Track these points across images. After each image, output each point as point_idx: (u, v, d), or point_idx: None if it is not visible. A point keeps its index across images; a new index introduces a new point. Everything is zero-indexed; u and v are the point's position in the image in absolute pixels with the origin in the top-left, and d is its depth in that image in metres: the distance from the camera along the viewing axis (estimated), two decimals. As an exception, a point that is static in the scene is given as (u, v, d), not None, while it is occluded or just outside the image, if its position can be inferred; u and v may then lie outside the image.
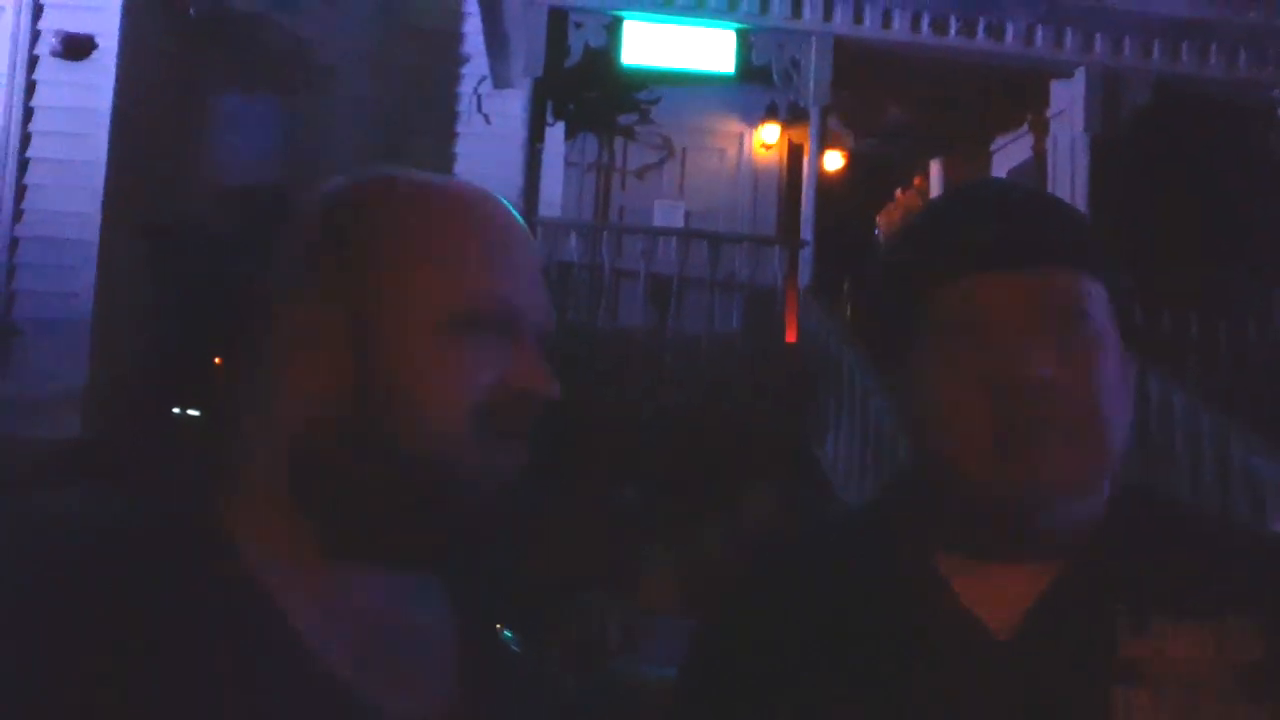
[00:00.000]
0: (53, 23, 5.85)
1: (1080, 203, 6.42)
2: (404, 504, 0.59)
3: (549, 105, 6.74)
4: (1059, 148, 6.69)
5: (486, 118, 7.34)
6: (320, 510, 0.60)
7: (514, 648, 0.71)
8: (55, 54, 5.82)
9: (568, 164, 7.24)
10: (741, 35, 6.32)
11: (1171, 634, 0.65)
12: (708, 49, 6.34)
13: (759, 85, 6.73)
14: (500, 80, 7.07)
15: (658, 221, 7.01)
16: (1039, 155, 7.03)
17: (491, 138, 7.06)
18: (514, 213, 0.66)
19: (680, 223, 7.02)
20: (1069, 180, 6.51)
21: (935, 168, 8.36)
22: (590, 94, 7.02)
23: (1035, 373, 0.67)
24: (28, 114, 5.80)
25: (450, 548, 0.62)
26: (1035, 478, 0.67)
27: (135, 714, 0.51)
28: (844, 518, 0.91)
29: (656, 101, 7.18)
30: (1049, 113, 6.80)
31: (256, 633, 0.56)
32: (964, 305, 0.70)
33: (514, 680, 0.69)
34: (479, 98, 7.39)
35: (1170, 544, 0.73)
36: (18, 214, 5.73)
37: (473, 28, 7.19)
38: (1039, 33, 6.40)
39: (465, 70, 7.45)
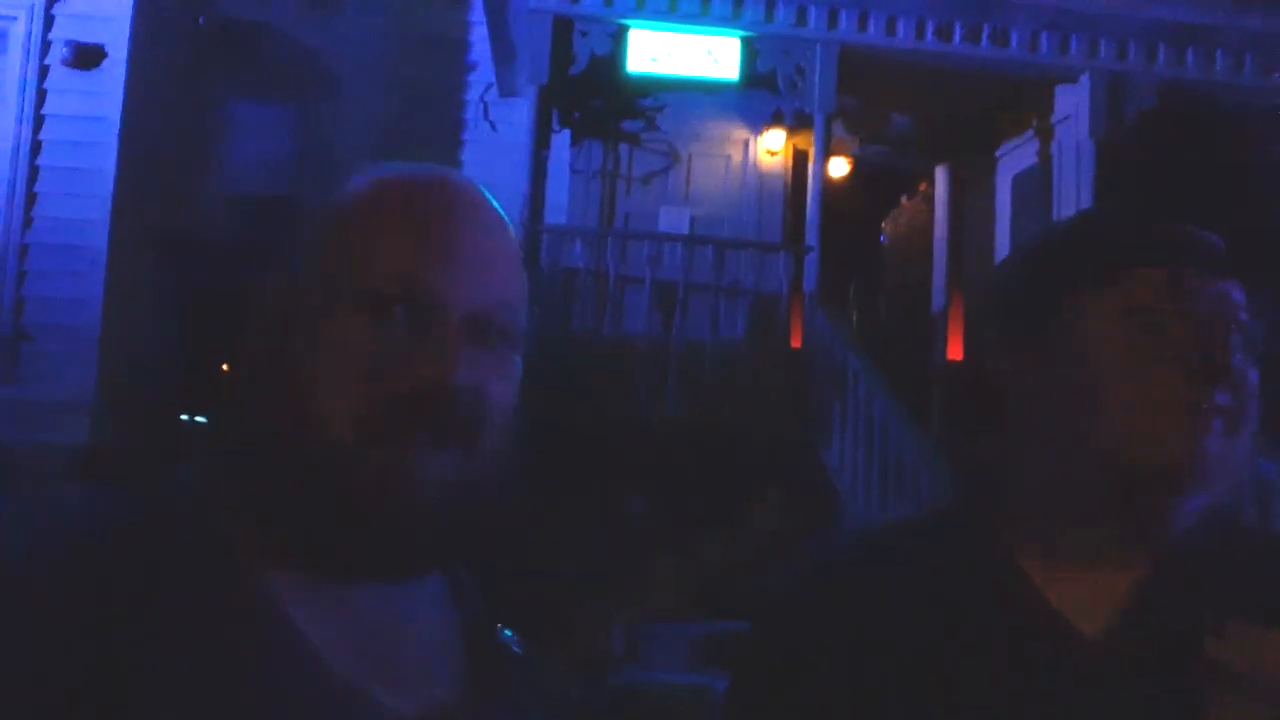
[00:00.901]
0: (64, 33, 5.91)
1: (1085, 205, 6.42)
2: (325, 499, 0.56)
3: (555, 113, 6.76)
4: (1064, 153, 6.68)
5: (493, 125, 7.38)
6: (268, 509, 0.59)
7: (515, 649, 0.71)
8: (66, 63, 5.88)
9: (573, 171, 7.26)
10: (746, 42, 6.33)
11: (1258, 640, 0.66)
12: (713, 56, 6.36)
13: (764, 92, 6.74)
14: (506, 88, 7.11)
15: (663, 228, 7.02)
16: (1045, 160, 7.03)
17: (498, 145, 7.10)
18: (478, 200, 0.63)
19: (685, 229, 7.03)
20: (1074, 184, 6.51)
21: (941, 174, 8.36)
22: (596, 102, 7.05)
23: (1226, 361, 0.70)
24: (38, 122, 5.86)
25: (410, 552, 0.59)
26: (1199, 460, 0.70)
27: (136, 710, 0.50)
28: (905, 523, 0.89)
29: (662, 109, 7.20)
30: (1054, 118, 6.80)
31: (260, 632, 0.56)
32: (1170, 291, 0.73)
33: (516, 681, 0.68)
34: (485, 106, 7.44)
35: (1251, 554, 0.75)
36: (28, 221, 5.78)
37: (479, 36, 7.23)
38: (1043, 39, 6.40)
39: (472, 79, 7.49)
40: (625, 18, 6.21)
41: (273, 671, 0.55)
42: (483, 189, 0.64)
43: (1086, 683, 0.70)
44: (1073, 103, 6.58)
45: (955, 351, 7.87)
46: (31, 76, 5.87)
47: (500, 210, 0.64)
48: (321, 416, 0.56)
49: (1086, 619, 0.72)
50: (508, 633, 0.70)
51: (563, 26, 6.13)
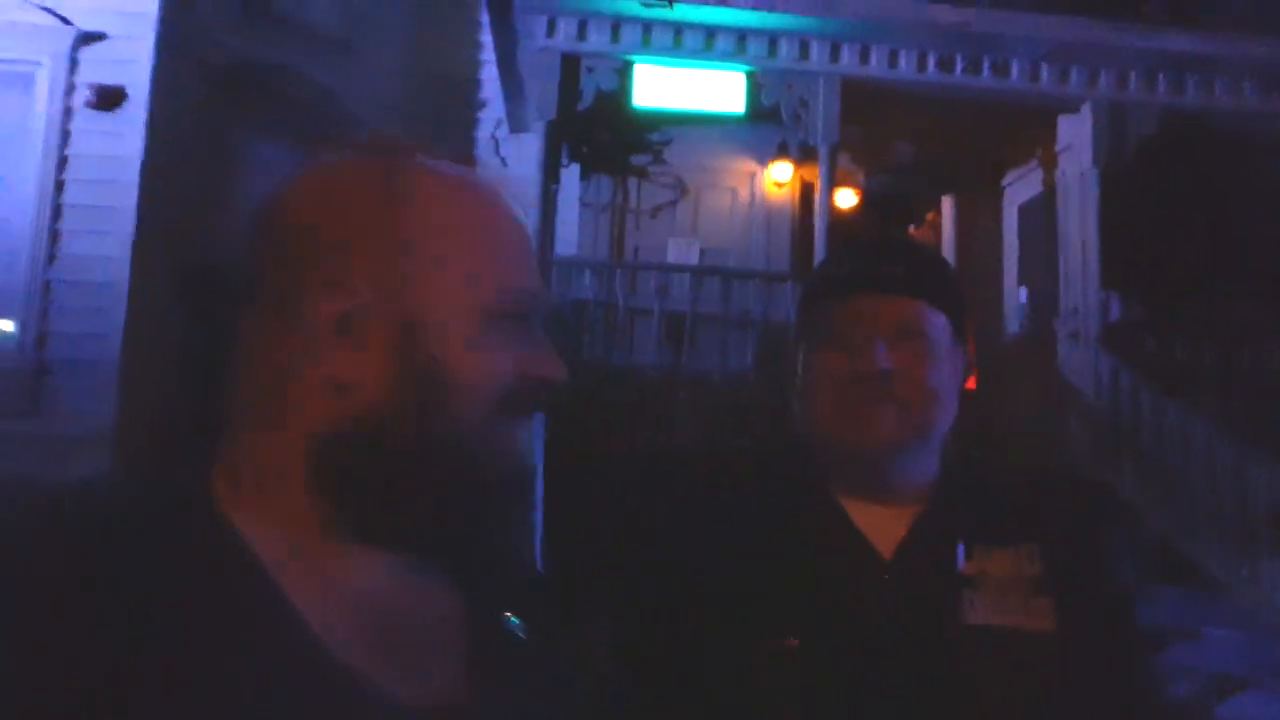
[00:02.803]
0: (87, 76, 6.08)
1: (1091, 234, 6.46)
2: (432, 485, 0.61)
3: (564, 148, 6.88)
4: (1069, 181, 6.74)
5: (504, 161, 7.51)
6: (347, 496, 0.60)
7: (521, 635, 0.70)
8: (89, 105, 6.05)
9: (582, 205, 7.37)
10: (751, 77, 6.44)
11: (990, 557, 0.96)
12: (718, 90, 6.47)
13: (770, 125, 6.84)
14: (516, 124, 7.24)
15: (672, 260, 7.10)
16: (1049, 189, 7.08)
17: (508, 180, 7.21)
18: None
19: (694, 261, 7.11)
20: (1079, 213, 6.56)
21: (948, 204, 8.43)
22: (603, 136, 7.17)
23: (876, 367, 0.96)
24: (62, 162, 6.02)
25: (462, 528, 0.63)
26: (876, 435, 0.97)
27: (136, 696, 0.50)
28: (757, 457, 1.15)
29: (669, 143, 7.32)
30: (1057, 147, 6.86)
31: (261, 618, 0.55)
32: (836, 318, 1.01)
33: (522, 668, 0.67)
34: (496, 142, 7.58)
35: (987, 493, 1.04)
36: (51, 258, 5.91)
37: (489, 74, 7.39)
38: (1044, 69, 6.48)
39: (483, 115, 7.65)
40: (631, 54, 6.34)
41: (274, 658, 0.55)
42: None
43: (882, 588, 0.95)
44: (1074, 132, 6.64)
45: (967, 380, 7.87)
46: (56, 118, 6.04)
47: None
48: (464, 412, 0.61)
49: (882, 543, 0.97)
50: (514, 620, 0.70)
51: (570, 64, 6.26)
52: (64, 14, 6.14)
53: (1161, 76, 6.52)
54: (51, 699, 0.49)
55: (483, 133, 7.64)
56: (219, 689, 0.52)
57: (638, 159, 7.39)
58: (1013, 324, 7.64)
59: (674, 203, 7.53)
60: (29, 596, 0.51)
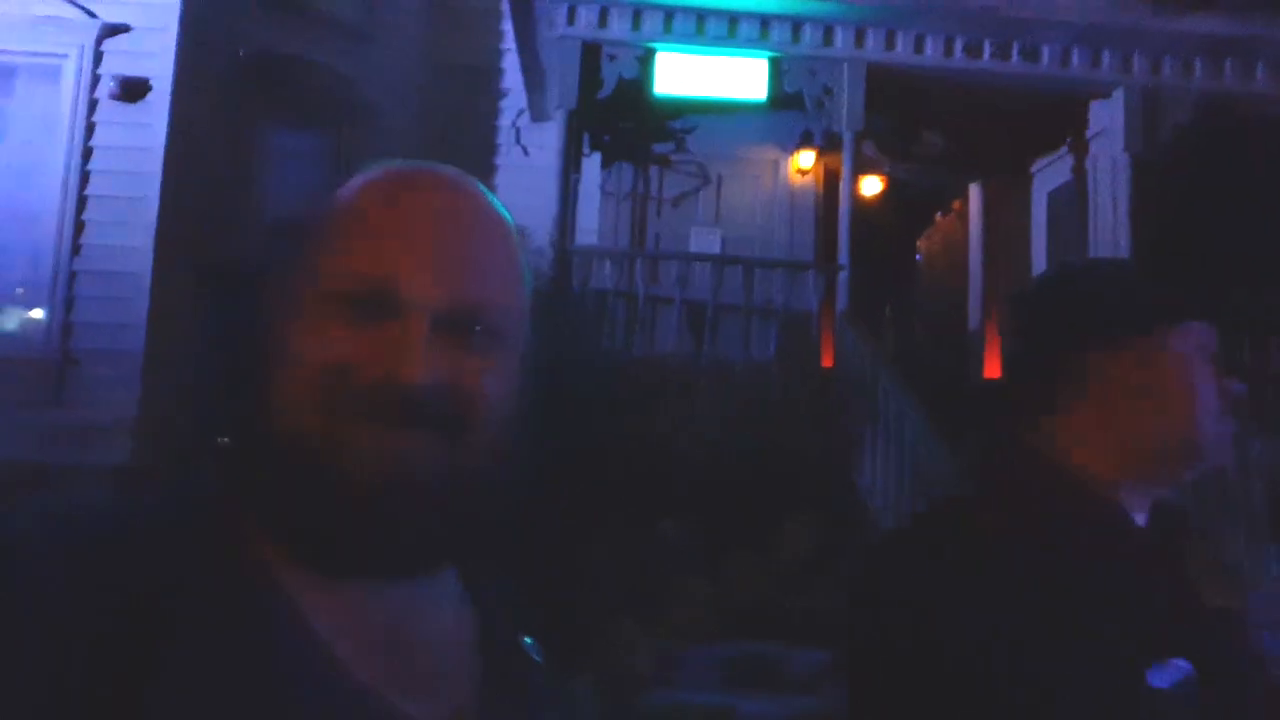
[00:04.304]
0: (111, 67, 6.13)
1: (1123, 222, 6.32)
2: (303, 492, 0.57)
3: (585, 136, 6.84)
4: (1100, 168, 6.59)
5: (525, 150, 7.48)
6: (262, 506, 0.58)
7: (535, 656, 0.69)
8: (113, 97, 6.09)
9: (604, 193, 7.32)
10: (774, 63, 6.35)
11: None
12: (740, 77, 6.39)
13: (793, 112, 6.75)
14: (537, 113, 7.21)
15: (694, 249, 7.04)
16: (1079, 176, 6.93)
17: (529, 169, 7.19)
18: (466, 199, 0.63)
19: (716, 249, 7.04)
20: (1110, 201, 6.41)
21: (974, 191, 8.28)
22: (625, 125, 7.12)
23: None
24: (86, 154, 6.07)
25: (399, 547, 0.58)
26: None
27: (154, 716, 0.50)
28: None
29: (691, 130, 7.24)
30: (1088, 133, 6.72)
31: (274, 635, 0.55)
32: (1201, 342, 1.00)
33: (534, 689, 0.67)
34: (517, 131, 7.55)
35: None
36: (75, 249, 5.97)
37: (511, 63, 7.36)
38: (1075, 54, 6.33)
39: (504, 105, 7.62)
40: (652, 41, 6.27)
41: (287, 675, 0.54)
42: (479, 188, 0.64)
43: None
44: (1107, 118, 6.49)
45: (992, 370, 7.76)
46: (81, 110, 6.09)
47: (500, 212, 0.64)
48: (287, 407, 0.57)
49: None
50: (528, 640, 0.69)
51: (591, 51, 6.21)
52: (89, 7, 6.18)
53: (1198, 60, 6.35)
54: (67, 714, 0.49)
55: (504, 122, 7.61)
56: (237, 710, 0.52)
57: (659, 147, 7.33)
58: (1041, 314, 7.49)
59: (696, 191, 7.46)
60: (44, 612, 0.50)
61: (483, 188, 0.64)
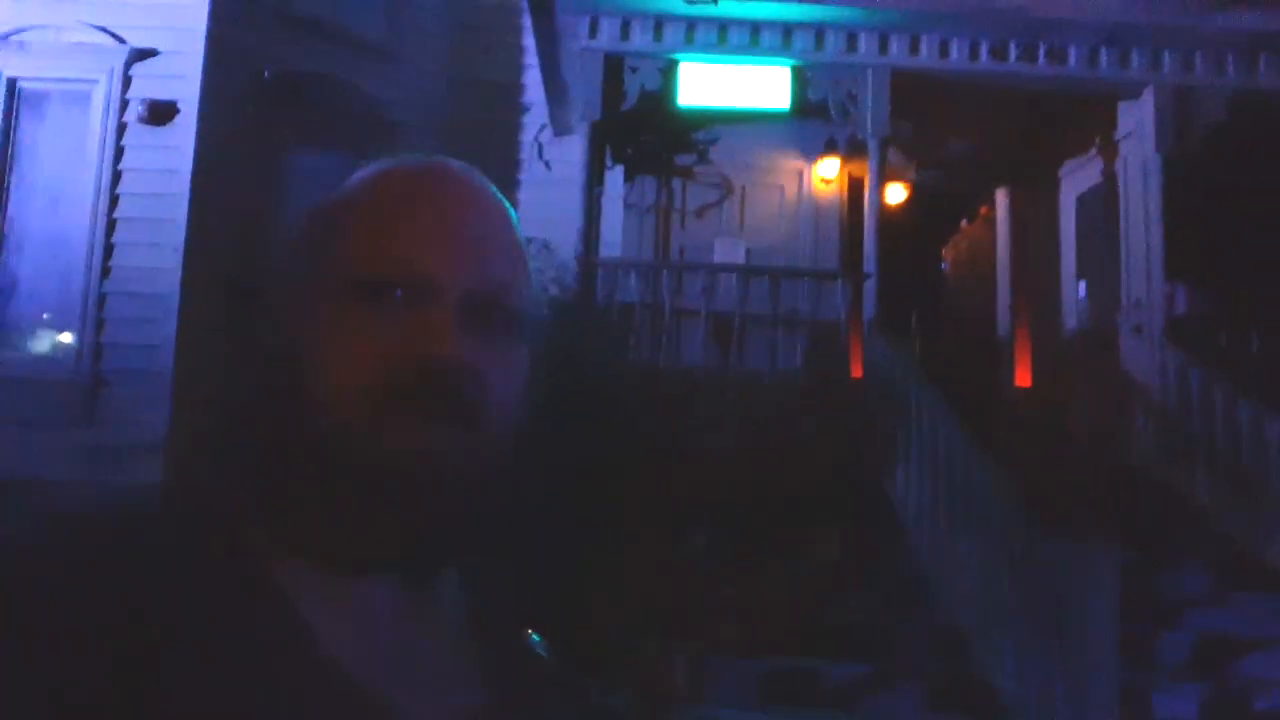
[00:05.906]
0: (140, 91, 6.21)
1: (1155, 224, 6.21)
2: (337, 484, 0.56)
3: (608, 149, 6.84)
4: (1130, 169, 6.49)
5: (547, 164, 7.49)
6: (282, 503, 0.58)
7: (542, 654, 0.69)
8: (142, 120, 6.17)
9: (627, 206, 7.31)
10: (797, 71, 6.33)
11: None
12: (763, 86, 6.37)
13: (816, 120, 6.72)
14: (560, 127, 7.22)
15: (718, 259, 7.01)
16: (1110, 178, 6.84)
17: (552, 183, 7.19)
18: (474, 185, 0.63)
19: (741, 260, 7.00)
20: (1142, 201, 6.31)
21: (1001, 196, 8.20)
22: (648, 137, 7.11)
23: None
24: (116, 177, 6.15)
25: (418, 542, 0.57)
26: None
27: (151, 714, 0.50)
28: None
29: (714, 141, 7.23)
30: (1118, 134, 6.63)
31: (275, 635, 0.55)
32: None
33: (541, 688, 0.67)
34: (540, 145, 7.56)
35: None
36: (105, 271, 6.04)
37: (533, 78, 7.38)
38: (1103, 54, 6.26)
39: (526, 119, 7.64)
40: (675, 52, 6.27)
41: (288, 676, 0.54)
42: (481, 177, 0.65)
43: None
44: (1136, 118, 6.40)
45: (1023, 377, 7.65)
46: (110, 134, 6.17)
47: (501, 198, 0.65)
48: (328, 402, 0.56)
49: None
50: (535, 637, 0.69)
51: (613, 64, 6.21)
52: (119, 32, 6.27)
53: (1230, 57, 6.24)
54: (67, 713, 0.48)
55: (526, 137, 7.63)
56: (238, 711, 0.52)
57: (682, 158, 7.32)
58: (1070, 319, 7.39)
59: (720, 202, 7.43)
60: (43, 611, 0.50)
61: (483, 179, 0.65)
